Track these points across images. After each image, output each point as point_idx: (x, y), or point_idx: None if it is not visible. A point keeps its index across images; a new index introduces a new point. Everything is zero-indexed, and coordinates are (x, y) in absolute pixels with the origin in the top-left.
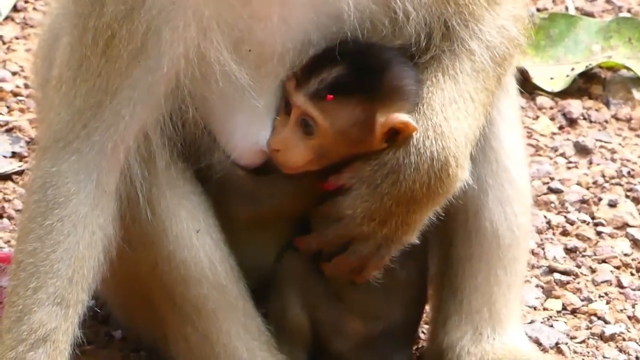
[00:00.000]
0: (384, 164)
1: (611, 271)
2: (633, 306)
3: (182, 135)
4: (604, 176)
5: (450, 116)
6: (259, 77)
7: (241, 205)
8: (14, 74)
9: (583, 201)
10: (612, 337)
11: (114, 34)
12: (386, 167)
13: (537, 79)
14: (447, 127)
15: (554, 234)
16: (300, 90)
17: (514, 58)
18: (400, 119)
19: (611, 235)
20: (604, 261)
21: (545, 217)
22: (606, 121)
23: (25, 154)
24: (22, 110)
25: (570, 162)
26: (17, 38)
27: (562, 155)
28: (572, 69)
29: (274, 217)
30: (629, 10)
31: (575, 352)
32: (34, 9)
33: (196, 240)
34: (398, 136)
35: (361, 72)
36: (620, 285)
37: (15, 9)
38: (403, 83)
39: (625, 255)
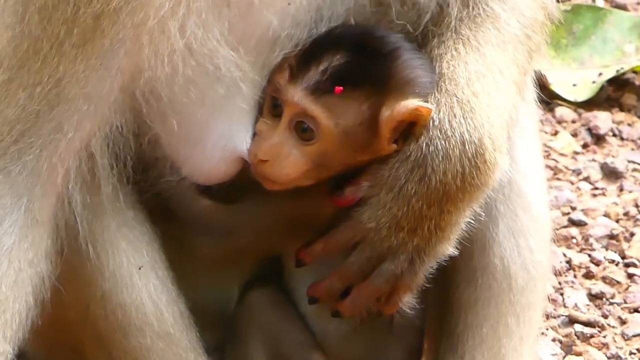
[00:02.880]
0: (406, 158)
1: None
2: None
3: (135, 153)
4: (637, 206)
5: (479, 90)
6: (253, 66)
7: (208, 240)
8: None
9: (611, 236)
10: None
11: (101, 26)
12: (409, 162)
13: (556, 86)
14: (477, 102)
15: (575, 276)
16: (296, 84)
17: (543, 30)
18: (409, 107)
19: None
20: (636, 310)
21: (564, 255)
22: None
23: None
24: None
25: (596, 189)
26: None
27: (587, 179)
28: (600, 74)
29: (249, 253)
30: None
31: None
32: None
33: (138, 279)
34: (413, 129)
35: (366, 60)
36: None
37: None
38: (415, 73)
39: None
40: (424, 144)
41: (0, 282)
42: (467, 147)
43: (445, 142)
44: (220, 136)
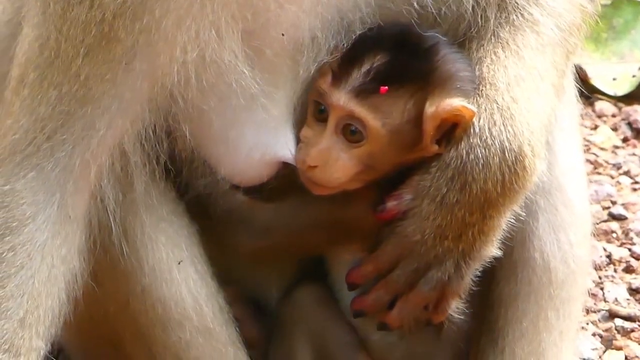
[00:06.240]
0: (446, 167)
1: None
2: None
3: (167, 151)
4: None
5: (519, 96)
6: (275, 74)
7: (244, 237)
8: None
9: None
10: None
11: (110, 30)
12: (449, 170)
13: (596, 80)
14: (517, 108)
15: (615, 270)
16: (340, 87)
17: (581, 31)
18: (453, 105)
19: None
20: None
21: (605, 249)
22: None
23: None
24: None
25: (636, 183)
26: None
27: (627, 173)
28: None
29: (286, 252)
30: None
31: None
32: None
33: (177, 274)
34: (455, 130)
35: (407, 57)
36: None
37: None
38: (456, 67)
39: None
40: (464, 152)
41: (33, 278)
42: (507, 155)
43: (485, 150)
44: (251, 141)
